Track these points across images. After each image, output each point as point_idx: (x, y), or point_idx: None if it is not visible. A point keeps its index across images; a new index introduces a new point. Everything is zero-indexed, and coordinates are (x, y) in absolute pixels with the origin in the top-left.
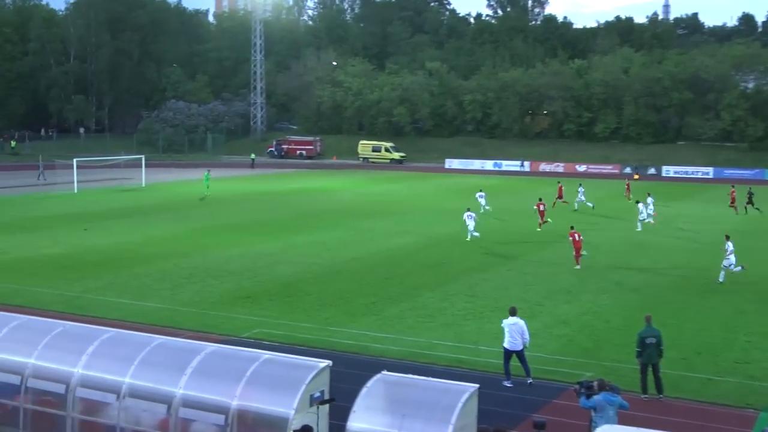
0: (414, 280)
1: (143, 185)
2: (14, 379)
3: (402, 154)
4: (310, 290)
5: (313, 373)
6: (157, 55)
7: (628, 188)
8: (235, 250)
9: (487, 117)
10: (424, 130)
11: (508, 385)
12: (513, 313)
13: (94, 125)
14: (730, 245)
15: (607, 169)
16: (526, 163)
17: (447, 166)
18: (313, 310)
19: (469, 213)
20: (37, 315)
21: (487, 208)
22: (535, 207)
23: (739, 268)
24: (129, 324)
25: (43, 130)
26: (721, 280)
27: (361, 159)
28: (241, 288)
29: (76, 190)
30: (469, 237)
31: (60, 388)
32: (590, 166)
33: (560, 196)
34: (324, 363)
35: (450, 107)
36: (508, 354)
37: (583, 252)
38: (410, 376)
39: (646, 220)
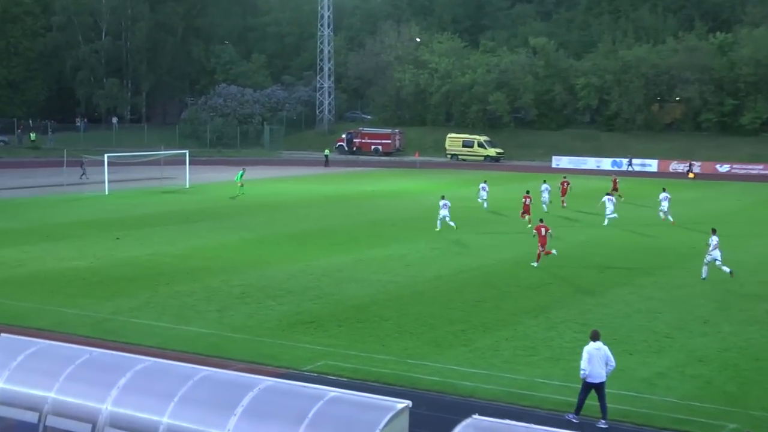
0: (512, 303)
1: (187, 186)
2: (31, 417)
3: (499, 150)
4: (386, 314)
5: (390, 415)
6: (205, 30)
7: (614, 184)
8: (296, 265)
9: (605, 105)
10: (526, 120)
11: (574, 420)
12: (596, 337)
13: (129, 114)
14: (714, 240)
15: (757, 169)
16: (653, 162)
17: (554, 164)
18: (389, 339)
19: (444, 201)
20: (59, 340)
21: (484, 204)
22: (524, 200)
23: (726, 269)
24: (168, 352)
25: (74, 120)
26: (704, 276)
27: (448, 156)
28: (304, 311)
29: (107, 192)
30: (438, 227)
31: (85, 429)
32: (734, 166)
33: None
34: (402, 403)
35: (558, 93)
36: (587, 387)
37: (553, 251)
38: (507, 421)
39: (611, 216)
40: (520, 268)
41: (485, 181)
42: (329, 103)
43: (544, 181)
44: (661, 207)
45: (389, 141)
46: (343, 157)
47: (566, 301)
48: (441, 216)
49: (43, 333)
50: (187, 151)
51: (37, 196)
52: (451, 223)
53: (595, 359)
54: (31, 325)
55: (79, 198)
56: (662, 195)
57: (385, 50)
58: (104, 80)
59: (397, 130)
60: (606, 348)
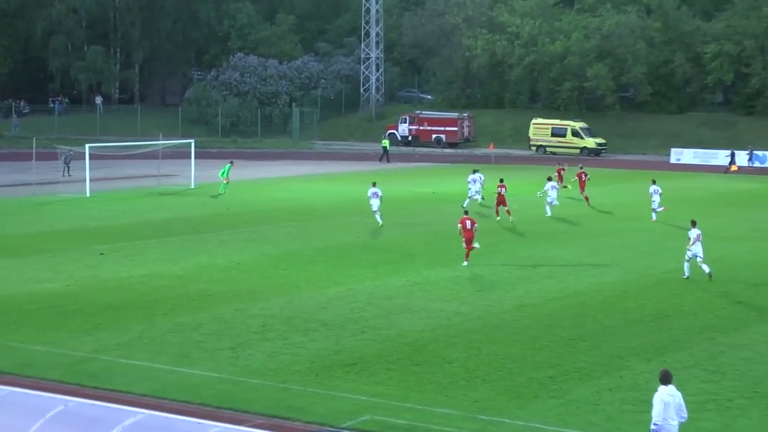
0: (617, 342)
1: (192, 186)
2: None
3: (600, 141)
4: (450, 355)
5: None
6: None
7: (559, 174)
8: (333, 290)
9: (743, 80)
10: (636, 102)
11: None
12: (667, 379)
13: (118, 93)
14: (694, 232)
15: None
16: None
17: (673, 159)
18: (455, 388)
19: (374, 190)
20: (25, 386)
21: (478, 198)
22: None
23: (706, 268)
24: (167, 402)
25: (45, 100)
26: (686, 274)
27: (533, 148)
28: (343, 350)
29: (88, 193)
30: (379, 221)
31: None
32: None
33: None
34: None
35: (680, 65)
36: None
37: (475, 244)
38: None
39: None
40: (629, 295)
41: (475, 171)
42: (377, 79)
43: (654, 182)
44: (653, 204)
45: (455, 128)
46: (394, 149)
47: (690, 340)
48: (373, 209)
49: (4, 377)
50: (192, 141)
51: None
52: (379, 220)
53: (670, 407)
54: None
55: (52, 201)
56: (652, 188)
57: (450, 9)
58: (85, 48)
59: (465, 115)
60: (680, 394)
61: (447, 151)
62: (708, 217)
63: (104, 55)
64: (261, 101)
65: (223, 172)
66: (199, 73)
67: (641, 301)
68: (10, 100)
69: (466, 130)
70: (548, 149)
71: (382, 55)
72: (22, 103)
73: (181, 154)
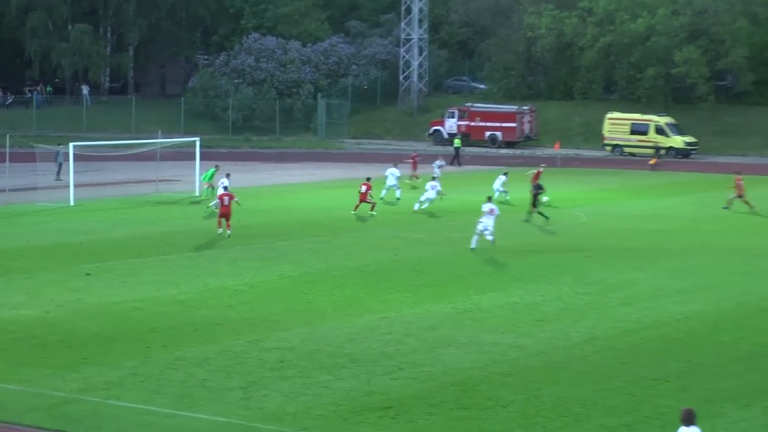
0: (708, 383)
1: (197, 194)
2: None
3: (690, 140)
4: (505, 398)
5: None
6: None
7: (414, 163)
8: (365, 319)
9: None
10: (735, 92)
11: None
12: (689, 419)
13: (109, 81)
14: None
15: None
16: None
17: None
18: None
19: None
20: None
21: (505, 196)
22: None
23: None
24: None
25: (22, 89)
26: None
27: (608, 148)
28: (376, 390)
29: (72, 202)
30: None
31: None
32: None
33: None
34: None
35: None
36: None
37: (225, 231)
38: None
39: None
40: (723, 326)
41: (506, 173)
42: (420, 65)
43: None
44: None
45: (513, 124)
46: (439, 148)
47: None
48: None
49: None
50: (197, 139)
51: None
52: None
53: None
54: None
55: (30, 211)
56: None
57: None
58: (69, 27)
59: (526, 108)
60: None
61: (503, 151)
62: None
63: (92, 35)
64: (280, 91)
65: (206, 176)
66: (205, 57)
67: (738, 334)
68: None
69: (526, 127)
70: (626, 149)
71: (426, 36)
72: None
73: (184, 154)
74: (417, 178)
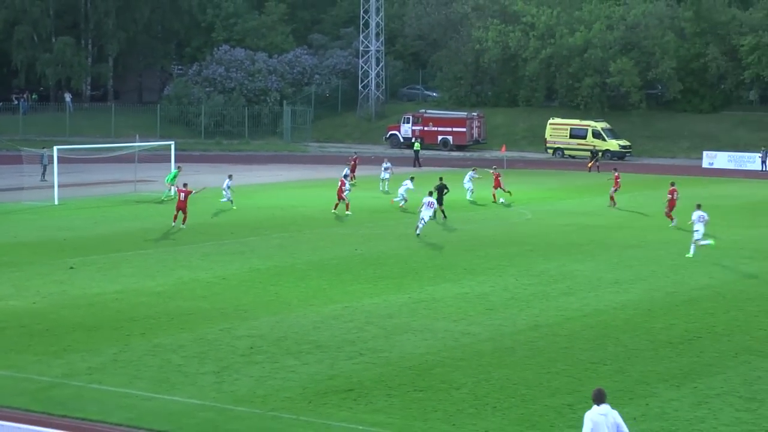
0: (643, 366)
1: (172, 193)
2: None
3: (624, 143)
4: (458, 380)
5: None
6: None
7: (353, 167)
8: (328, 308)
9: None
10: (665, 100)
11: None
12: (600, 398)
13: (90, 89)
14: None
15: None
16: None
17: (706, 163)
18: (462, 416)
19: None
20: None
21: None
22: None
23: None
24: None
25: (9, 96)
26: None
27: (550, 151)
28: (339, 374)
29: (56, 201)
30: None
31: None
32: None
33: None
34: None
35: (714, 59)
36: None
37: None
38: None
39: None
40: (656, 314)
41: (474, 169)
42: (377, 75)
43: (698, 207)
44: (695, 235)
45: (464, 129)
46: (395, 152)
47: (724, 364)
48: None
49: None
50: (172, 143)
51: None
52: (227, 198)
53: (603, 430)
54: None
55: (17, 209)
56: (696, 215)
57: None
58: (53, 39)
59: (475, 114)
60: (616, 413)
61: (454, 154)
62: (744, 229)
63: (74, 47)
64: (248, 99)
65: (170, 177)
66: (179, 67)
67: (669, 321)
68: None
69: (475, 131)
70: (566, 152)
71: (382, 48)
72: None
73: (160, 157)
74: (353, 179)
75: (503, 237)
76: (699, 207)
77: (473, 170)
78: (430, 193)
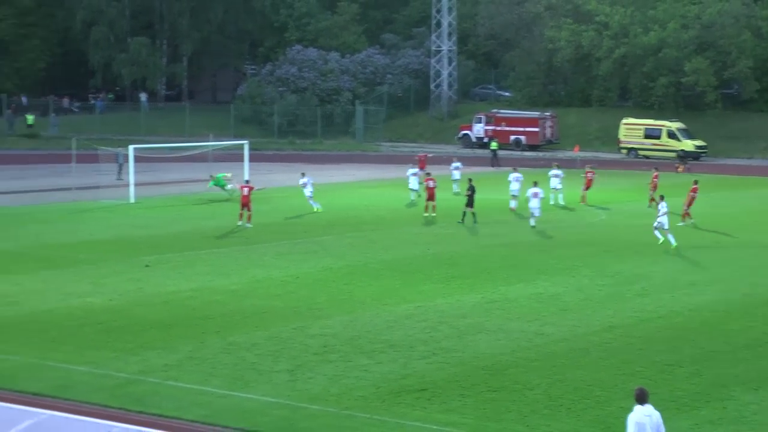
0: (719, 368)
1: (228, 188)
2: None
3: (699, 143)
4: (531, 381)
5: None
6: None
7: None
8: (402, 308)
9: None
10: (741, 100)
11: None
12: (643, 398)
13: (165, 89)
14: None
15: None
16: None
17: None
18: (536, 417)
19: (305, 180)
20: (64, 410)
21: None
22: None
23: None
24: (219, 429)
25: (86, 96)
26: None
27: (624, 150)
28: (412, 374)
29: (132, 199)
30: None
31: None
32: None
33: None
34: None
35: None
36: None
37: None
38: None
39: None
40: (733, 316)
41: (557, 166)
42: (449, 75)
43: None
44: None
45: (536, 129)
46: (467, 151)
47: None
48: (307, 195)
49: (42, 400)
50: (246, 142)
51: (33, 205)
52: (315, 204)
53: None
54: (25, 389)
55: (94, 208)
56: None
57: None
58: (129, 40)
59: (547, 114)
60: (658, 414)
61: (527, 154)
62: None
63: (149, 47)
64: (321, 98)
65: (215, 181)
66: (253, 67)
67: (747, 323)
68: (47, 97)
69: (548, 131)
70: (640, 152)
71: (455, 48)
72: (66, 100)
73: (234, 156)
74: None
75: (577, 237)
76: (662, 198)
77: (556, 167)
78: (535, 183)
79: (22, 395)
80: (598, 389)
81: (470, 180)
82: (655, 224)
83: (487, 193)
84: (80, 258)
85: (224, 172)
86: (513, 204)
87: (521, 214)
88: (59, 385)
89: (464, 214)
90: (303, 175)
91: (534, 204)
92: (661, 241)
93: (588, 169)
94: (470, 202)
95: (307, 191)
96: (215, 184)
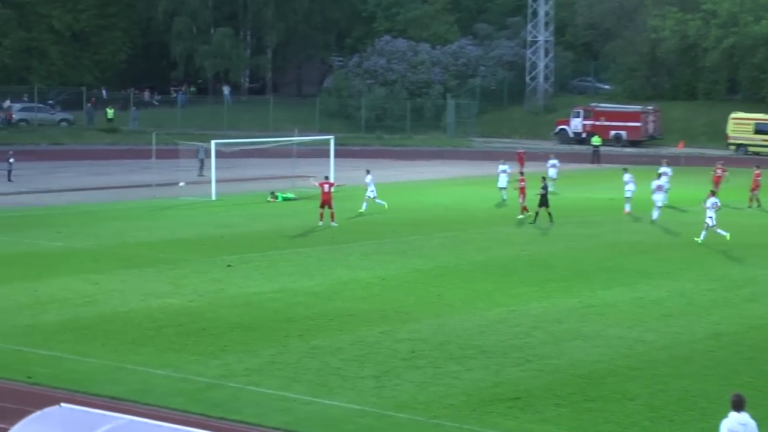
0: None
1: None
2: None
3: None
4: (632, 390)
5: None
6: None
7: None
8: (493, 312)
9: None
10: None
11: None
12: (740, 405)
13: (248, 82)
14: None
15: None
16: None
17: None
18: (637, 429)
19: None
20: (142, 415)
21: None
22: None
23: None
24: None
25: (167, 89)
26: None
27: (732, 147)
28: (505, 381)
29: (214, 196)
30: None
31: None
32: None
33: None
34: None
35: None
36: None
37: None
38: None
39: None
40: None
41: (626, 170)
42: (546, 66)
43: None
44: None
45: (638, 124)
46: (565, 147)
47: None
48: (371, 196)
49: (120, 404)
50: (332, 137)
51: (113, 202)
52: (381, 202)
53: None
54: (102, 393)
55: (174, 205)
56: (710, 201)
57: None
58: (212, 31)
59: (650, 108)
60: (754, 424)
61: (628, 150)
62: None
63: (233, 38)
64: (411, 91)
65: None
66: (339, 59)
67: None
68: (128, 90)
69: (651, 126)
70: (750, 148)
71: (551, 38)
72: (146, 94)
73: (319, 152)
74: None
75: (679, 238)
76: (713, 194)
77: (666, 164)
78: (659, 176)
79: (99, 399)
80: (703, 400)
81: (543, 179)
82: (709, 222)
83: (585, 192)
84: (160, 257)
85: (288, 193)
86: (627, 207)
87: (636, 215)
88: (138, 389)
89: (537, 214)
90: (368, 172)
91: (657, 197)
92: (700, 240)
93: (718, 166)
94: (543, 202)
95: (370, 191)
96: (283, 200)
